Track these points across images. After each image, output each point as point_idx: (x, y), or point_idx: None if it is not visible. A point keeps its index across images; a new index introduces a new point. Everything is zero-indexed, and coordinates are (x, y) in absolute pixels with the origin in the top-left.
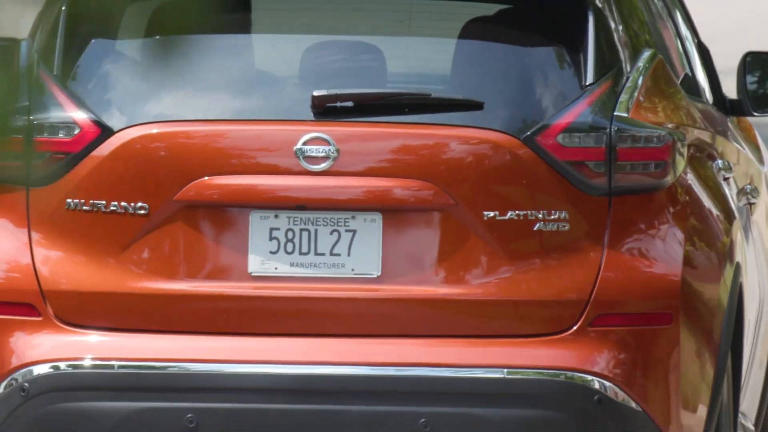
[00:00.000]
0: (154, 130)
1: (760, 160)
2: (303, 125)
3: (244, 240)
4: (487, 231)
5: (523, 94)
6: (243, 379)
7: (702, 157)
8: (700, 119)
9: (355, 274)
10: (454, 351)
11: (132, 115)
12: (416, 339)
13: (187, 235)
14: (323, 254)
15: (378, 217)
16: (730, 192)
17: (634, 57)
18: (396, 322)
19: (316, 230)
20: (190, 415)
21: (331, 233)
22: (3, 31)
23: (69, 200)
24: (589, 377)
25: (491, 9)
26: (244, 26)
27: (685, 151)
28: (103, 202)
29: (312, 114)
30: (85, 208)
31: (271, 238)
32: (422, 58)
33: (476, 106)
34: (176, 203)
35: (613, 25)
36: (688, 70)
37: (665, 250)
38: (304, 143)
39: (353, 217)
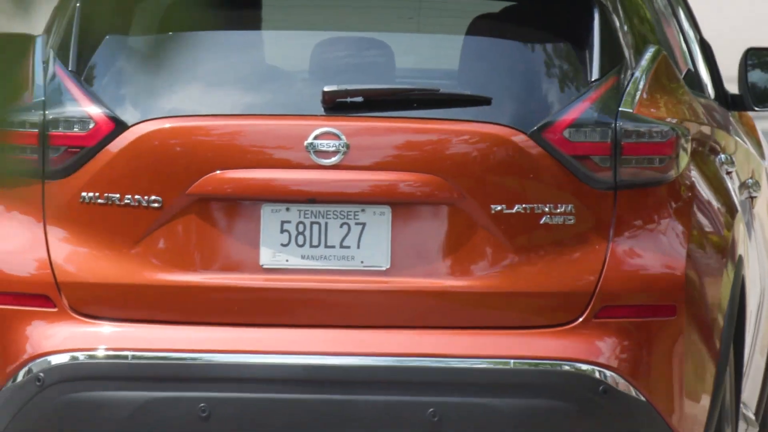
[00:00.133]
0: (168, 124)
1: (761, 155)
2: (314, 120)
3: (255, 233)
4: (495, 224)
5: (530, 90)
6: (254, 369)
7: (705, 152)
8: (702, 114)
9: (364, 267)
10: (462, 342)
11: (146, 110)
12: (425, 330)
13: (200, 227)
14: (333, 247)
15: (387, 211)
16: (732, 185)
17: (639, 53)
18: (405, 313)
19: (326, 223)
20: (202, 405)
21: (341, 226)
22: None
23: (84, 193)
24: (595, 368)
25: (498, 6)
26: (255, 23)
27: (688, 145)
28: (117, 195)
29: (322, 109)
30: (99, 201)
31: (282, 231)
32: (431, 55)
33: (484, 101)
34: (189, 197)
35: (617, 22)
36: (690, 66)
37: (669, 243)
38: (315, 138)
39: (363, 211)
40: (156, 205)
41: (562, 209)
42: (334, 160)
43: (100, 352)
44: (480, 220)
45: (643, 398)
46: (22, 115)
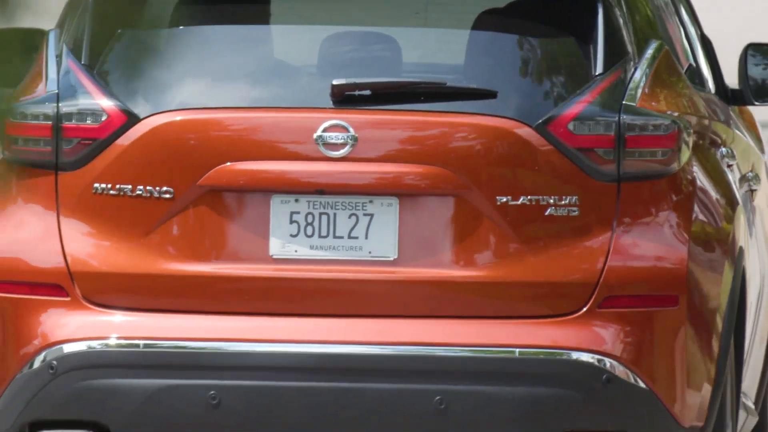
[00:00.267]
0: (179, 117)
1: (761, 149)
2: (323, 113)
3: (265, 223)
4: (500, 215)
5: (535, 84)
6: (264, 357)
7: (706, 145)
8: (704, 108)
9: (372, 257)
10: (468, 331)
11: (157, 103)
12: (431, 319)
13: (211, 218)
14: (341, 237)
15: (395, 202)
16: (733, 178)
17: (641, 48)
18: (412, 303)
19: (334, 214)
20: (212, 392)
21: (350, 217)
22: None
23: (96, 185)
24: (598, 357)
25: (504, 2)
26: (265, 18)
27: (690, 138)
28: (130, 186)
29: (331, 102)
30: (111, 192)
31: (291, 222)
32: (437, 49)
33: (490, 95)
34: (200, 188)
35: (621, 18)
36: (691, 61)
37: (671, 234)
38: (324, 130)
39: (371, 202)
40: (167, 196)
41: (567, 201)
42: (342, 152)
43: (112, 341)
44: (486, 212)
45: (645, 387)
46: (36, 107)
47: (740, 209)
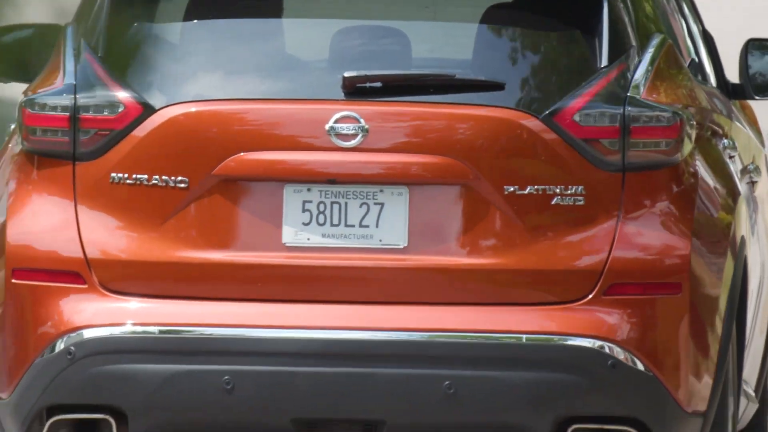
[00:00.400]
0: (193, 108)
1: (762, 142)
2: (334, 104)
3: (278, 212)
4: (508, 204)
5: (542, 76)
6: (277, 343)
7: (709, 136)
8: (706, 100)
9: (382, 245)
10: (477, 317)
11: (172, 94)
12: (440, 306)
13: (225, 207)
14: (353, 226)
15: (405, 191)
16: (734, 169)
17: (645, 42)
18: (421, 290)
19: (346, 203)
20: (226, 377)
21: (361, 206)
22: None
23: (113, 174)
24: (604, 343)
25: None
26: (278, 12)
27: (693, 130)
28: (145, 176)
29: (343, 94)
30: (128, 182)
31: (303, 211)
32: (446, 42)
33: (498, 86)
34: (214, 177)
35: (625, 13)
36: (694, 56)
37: (675, 223)
38: (336, 121)
39: (381, 191)
40: (182, 185)
41: (573, 190)
42: (353, 142)
43: (128, 327)
44: (494, 201)
45: (650, 372)
46: (54, 99)
47: (742, 200)
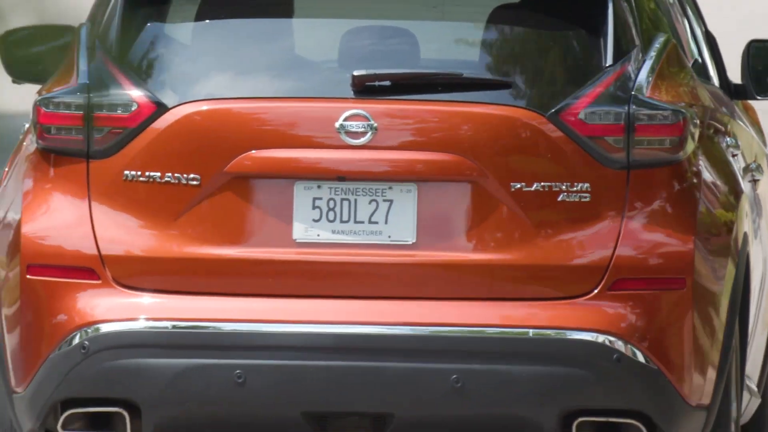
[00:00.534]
0: (206, 107)
1: (764, 142)
2: (344, 102)
3: (288, 209)
4: (515, 201)
5: (548, 75)
6: (287, 337)
7: (712, 135)
8: (709, 99)
9: (391, 241)
10: (484, 312)
11: (185, 93)
12: (448, 301)
13: (236, 204)
14: (362, 222)
15: (413, 188)
16: (737, 167)
17: (649, 42)
18: (429, 285)
19: (355, 200)
20: (238, 371)
21: (370, 203)
22: None
23: (126, 172)
24: (609, 337)
25: None
26: (288, 13)
27: (697, 128)
28: (158, 173)
29: (352, 92)
30: (141, 179)
31: (314, 207)
32: (453, 42)
33: (504, 85)
34: (226, 175)
35: (629, 13)
36: (697, 57)
37: (679, 220)
38: (345, 119)
39: (390, 188)
40: (195, 182)
41: (578, 187)
42: (363, 140)
43: (142, 322)
44: (501, 197)
45: (654, 366)
46: (68, 98)
47: (744, 197)
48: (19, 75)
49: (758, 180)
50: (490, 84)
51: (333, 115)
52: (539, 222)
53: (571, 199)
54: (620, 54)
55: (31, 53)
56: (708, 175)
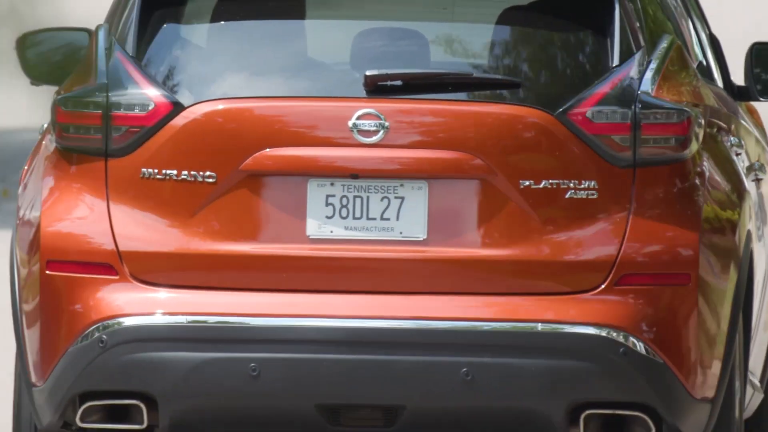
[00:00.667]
0: (221, 106)
1: (766, 142)
2: (357, 102)
3: (302, 206)
4: (523, 198)
5: (556, 74)
6: (301, 331)
7: (716, 134)
8: (713, 99)
9: (403, 237)
10: (493, 307)
11: (201, 93)
12: (458, 296)
13: (251, 201)
14: (374, 219)
15: (424, 185)
16: (741, 166)
17: (655, 43)
18: (440, 280)
19: (368, 197)
20: (253, 365)
21: (382, 200)
22: None
23: (144, 170)
24: (616, 331)
25: None
26: (302, 14)
27: (701, 127)
28: (175, 171)
29: (364, 92)
30: (158, 177)
31: (327, 204)
32: (463, 42)
33: (513, 85)
34: (241, 172)
35: (635, 14)
36: (701, 58)
37: (684, 217)
38: (358, 118)
39: (402, 185)
40: (210, 180)
41: (586, 185)
42: (375, 138)
43: (158, 316)
44: (509, 195)
45: (660, 360)
46: (86, 97)
47: (748, 195)
48: (36, 76)
49: (761, 179)
50: (498, 84)
51: (346, 114)
52: (547, 218)
53: (579, 197)
54: (626, 55)
55: (49, 55)
56: (712, 173)
